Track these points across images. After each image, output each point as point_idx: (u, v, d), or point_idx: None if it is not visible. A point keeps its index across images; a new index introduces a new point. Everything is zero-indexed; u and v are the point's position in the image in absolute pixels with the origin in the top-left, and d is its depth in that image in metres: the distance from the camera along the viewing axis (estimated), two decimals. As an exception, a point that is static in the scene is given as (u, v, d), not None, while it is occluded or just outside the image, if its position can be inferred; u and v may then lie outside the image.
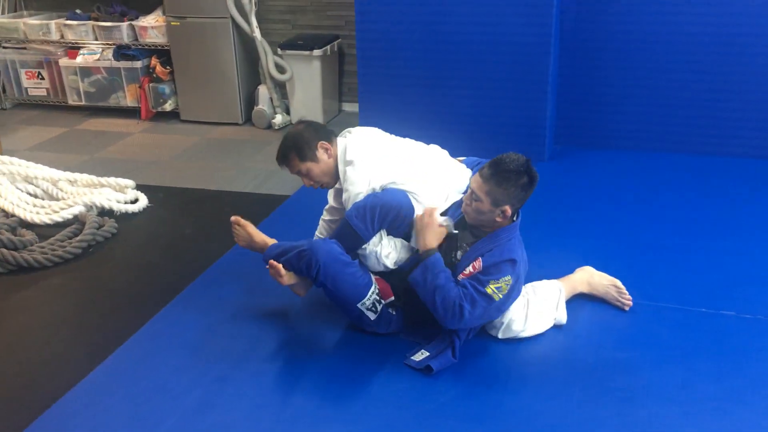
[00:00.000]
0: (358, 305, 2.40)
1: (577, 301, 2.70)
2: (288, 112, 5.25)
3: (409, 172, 2.53)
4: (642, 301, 2.72)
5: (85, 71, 5.45)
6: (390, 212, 2.44)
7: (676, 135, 4.29)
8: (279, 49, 5.06)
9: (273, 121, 5.13)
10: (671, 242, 3.21)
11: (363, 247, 2.49)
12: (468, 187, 2.42)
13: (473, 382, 2.27)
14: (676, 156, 4.24)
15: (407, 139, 2.79)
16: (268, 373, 2.37)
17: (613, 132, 4.42)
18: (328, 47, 5.04)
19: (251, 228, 2.76)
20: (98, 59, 5.40)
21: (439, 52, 4.17)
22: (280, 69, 5.05)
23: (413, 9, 4.12)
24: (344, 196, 2.57)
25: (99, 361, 2.45)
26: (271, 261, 2.48)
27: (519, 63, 4.06)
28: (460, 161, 2.83)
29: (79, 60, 5.43)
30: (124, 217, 3.68)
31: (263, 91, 5.14)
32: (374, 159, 2.56)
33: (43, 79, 5.64)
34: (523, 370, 2.31)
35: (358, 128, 2.76)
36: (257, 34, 4.94)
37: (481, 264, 2.29)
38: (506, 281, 2.27)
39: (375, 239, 2.48)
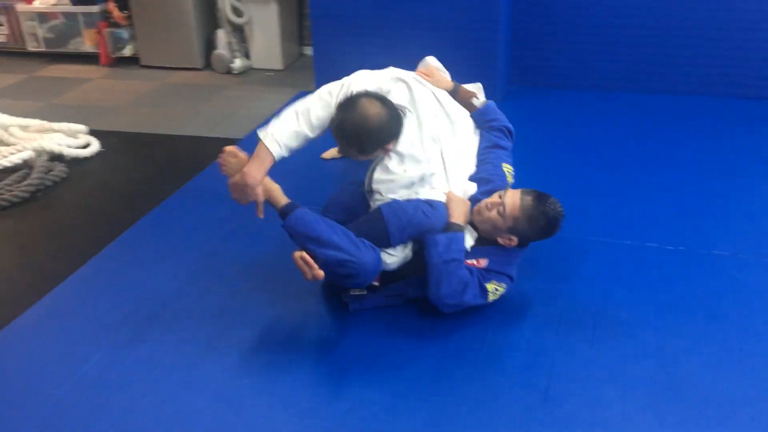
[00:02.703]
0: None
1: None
2: (248, 57, 5.23)
3: (441, 171, 2.37)
4: (571, 235, 2.80)
5: (43, 16, 5.39)
6: (424, 233, 2.29)
7: (628, 74, 4.34)
8: (235, -8, 5.02)
9: (232, 65, 5.11)
10: (607, 178, 3.29)
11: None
12: (501, 173, 2.45)
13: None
14: (627, 95, 4.28)
15: (444, 107, 2.53)
16: (198, 310, 2.44)
17: (567, 71, 4.45)
18: (286, -11, 5.00)
19: (252, 168, 2.25)
20: (55, 3, 5.34)
21: (389, -8, 4.16)
22: (237, 12, 5.01)
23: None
24: (377, 175, 2.34)
25: (37, 299, 2.53)
26: (305, 257, 2.19)
27: (468, 3, 4.05)
28: (472, 96, 2.69)
29: (36, 5, 5.37)
30: (75, 162, 3.71)
31: (221, 35, 5.11)
32: (415, 155, 2.32)
33: (1, 25, 5.58)
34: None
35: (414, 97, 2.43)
36: (212, -24, 4.90)
37: (486, 265, 2.30)
38: (503, 288, 2.31)
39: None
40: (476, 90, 2.80)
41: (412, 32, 4.22)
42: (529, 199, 2.27)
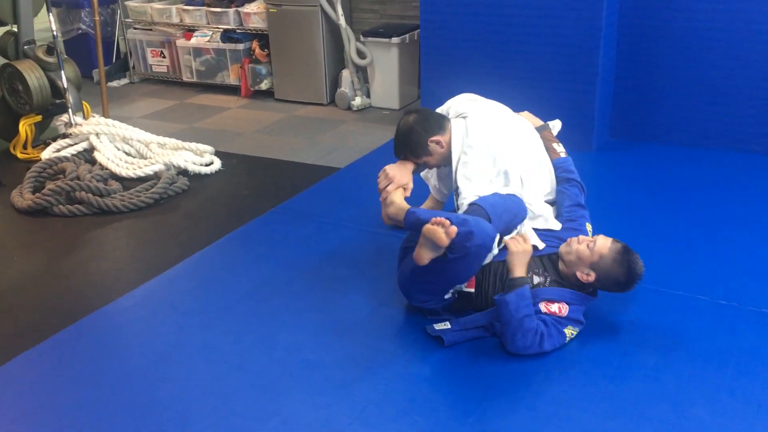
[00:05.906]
0: (453, 287, 2.56)
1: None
2: (368, 95, 5.64)
3: (523, 170, 2.67)
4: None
5: (197, 51, 6.13)
6: (514, 221, 2.57)
7: (733, 132, 4.25)
8: (362, 36, 5.46)
9: (352, 102, 5.54)
10: (683, 235, 3.28)
11: None
12: (585, 231, 2.70)
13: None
14: (732, 154, 4.21)
15: (516, 119, 2.89)
16: (259, 309, 2.78)
17: (671, 127, 4.43)
18: (407, 36, 5.37)
19: (398, 194, 2.68)
20: (208, 41, 6.06)
21: (493, 42, 4.40)
22: (361, 54, 5.44)
23: (472, 2, 4.38)
24: (461, 172, 2.63)
25: (138, 285, 2.99)
26: (437, 218, 2.37)
27: (569, 55, 4.21)
28: (555, 142, 2.99)
29: (193, 41, 6.12)
30: (197, 177, 4.23)
31: (346, 74, 5.56)
32: (496, 147, 2.64)
33: (164, 57, 6.39)
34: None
35: (476, 106, 2.81)
36: (342, 21, 5.37)
37: (567, 314, 2.48)
38: (576, 330, 2.50)
39: None
40: (555, 126, 3.08)
41: (514, 81, 4.42)
42: (618, 245, 2.47)
